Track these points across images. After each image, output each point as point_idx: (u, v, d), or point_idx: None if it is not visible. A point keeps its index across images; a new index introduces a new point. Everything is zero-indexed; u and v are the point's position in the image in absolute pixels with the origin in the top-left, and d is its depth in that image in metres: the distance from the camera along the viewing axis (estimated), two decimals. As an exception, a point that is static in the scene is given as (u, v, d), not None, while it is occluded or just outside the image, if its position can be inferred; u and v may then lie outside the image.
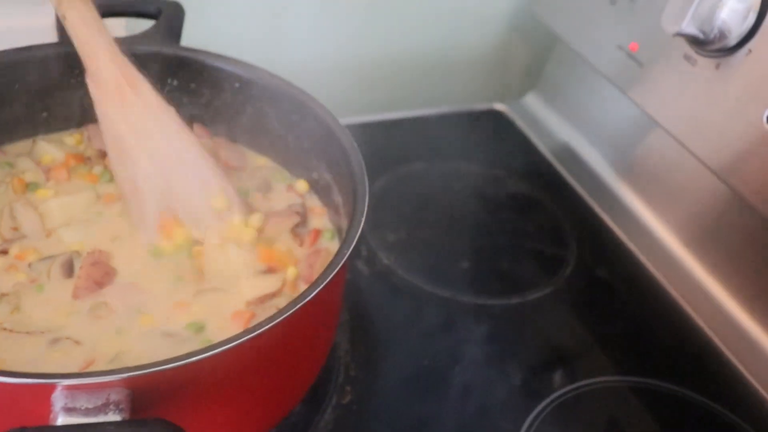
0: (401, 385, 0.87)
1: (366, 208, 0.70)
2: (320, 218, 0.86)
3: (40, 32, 1.28)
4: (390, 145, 1.24)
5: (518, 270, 1.05)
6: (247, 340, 0.58)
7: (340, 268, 0.65)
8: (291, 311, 0.60)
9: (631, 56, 1.03)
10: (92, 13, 0.76)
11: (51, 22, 1.34)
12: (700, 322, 1.00)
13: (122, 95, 0.75)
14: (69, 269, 0.74)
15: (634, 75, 1.03)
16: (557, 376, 0.91)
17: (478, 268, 1.04)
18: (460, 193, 1.17)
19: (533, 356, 0.93)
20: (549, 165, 1.25)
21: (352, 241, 0.67)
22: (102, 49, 0.76)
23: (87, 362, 0.67)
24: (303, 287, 0.76)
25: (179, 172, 0.79)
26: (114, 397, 0.55)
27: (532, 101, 1.37)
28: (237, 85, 0.89)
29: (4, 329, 0.69)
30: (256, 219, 0.80)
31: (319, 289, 0.63)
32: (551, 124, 1.32)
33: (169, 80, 0.90)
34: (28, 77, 0.87)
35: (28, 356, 0.67)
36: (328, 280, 0.63)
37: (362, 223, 0.69)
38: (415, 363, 0.89)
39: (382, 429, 0.81)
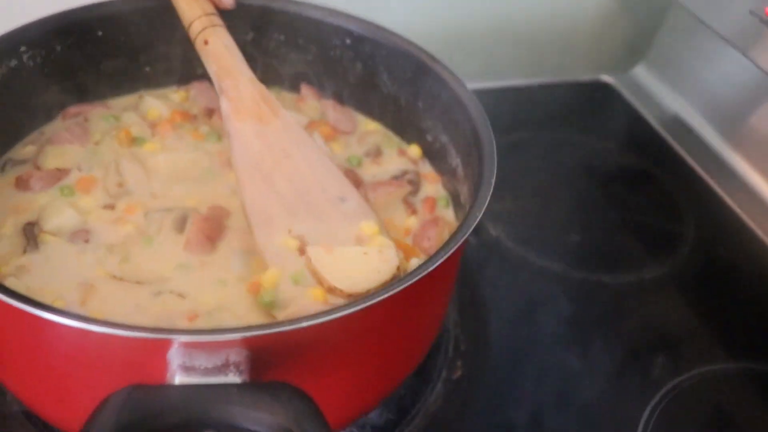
0: (511, 362, 0.82)
1: (495, 173, 0.65)
2: (433, 185, 0.82)
3: None
4: (493, 113, 1.17)
5: (632, 246, 0.99)
6: (372, 304, 0.54)
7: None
8: (416, 278, 0.56)
9: (765, 21, 0.95)
10: (232, 41, 0.78)
11: None
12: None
13: (260, 113, 0.74)
14: (181, 224, 0.71)
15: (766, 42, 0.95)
16: (678, 361, 0.85)
17: (589, 243, 0.98)
18: (567, 164, 1.11)
19: (652, 339, 0.87)
20: (660, 138, 1.18)
21: (481, 208, 0.62)
22: (242, 72, 0.76)
23: (190, 316, 0.64)
24: (421, 258, 0.72)
25: (320, 196, 0.73)
26: (234, 357, 0.52)
27: (641, 73, 1.30)
28: (347, 41, 0.84)
29: (114, 277, 0.67)
30: (392, 254, 0.69)
31: (447, 256, 0.58)
32: (662, 96, 1.25)
33: (275, 35, 0.87)
34: (133, 29, 0.84)
35: (131, 305, 0.65)
36: (456, 246, 0.59)
37: (491, 191, 0.64)
38: (525, 339, 0.85)
39: (492, 409, 0.77)
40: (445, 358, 0.79)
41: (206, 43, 0.76)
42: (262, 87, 0.76)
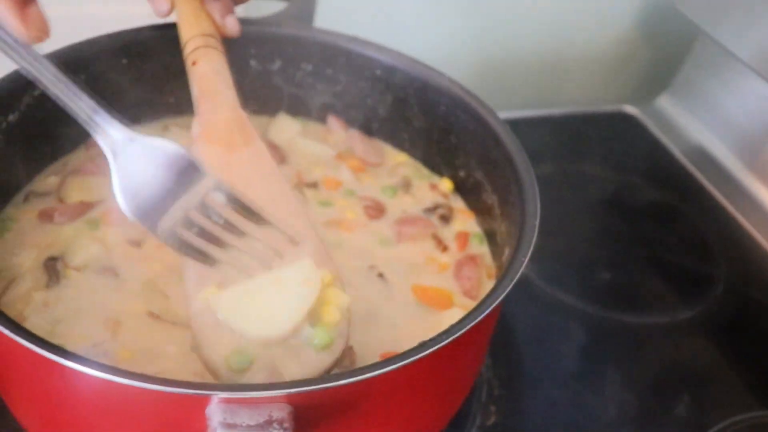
0: (544, 405, 0.80)
1: (539, 213, 0.63)
2: (465, 221, 0.79)
3: (144, 19, 1.28)
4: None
5: (661, 285, 0.97)
6: (418, 358, 0.52)
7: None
8: (468, 326, 0.54)
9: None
10: (224, 66, 0.72)
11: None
12: None
13: (231, 140, 0.69)
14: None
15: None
16: (708, 408, 0.82)
17: (618, 281, 0.96)
18: (592, 198, 1.09)
19: (681, 383, 0.85)
20: (686, 171, 1.16)
21: (526, 253, 0.60)
22: (225, 97, 0.71)
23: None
24: (462, 298, 0.70)
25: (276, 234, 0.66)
26: (277, 414, 0.49)
27: (665, 103, 1.28)
28: (378, 71, 0.82)
29: (152, 314, 0.65)
30: (342, 300, 0.62)
31: (494, 305, 0.56)
32: (686, 126, 1.23)
33: (302, 65, 0.85)
34: (157, 58, 0.82)
35: (163, 345, 0.63)
36: (504, 293, 0.56)
37: (535, 233, 0.62)
38: (557, 381, 0.83)
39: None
40: (479, 404, 0.76)
41: (194, 63, 0.72)
42: (242, 114, 0.71)
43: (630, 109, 1.27)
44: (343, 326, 0.60)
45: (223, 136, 0.68)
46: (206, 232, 0.59)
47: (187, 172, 0.57)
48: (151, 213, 0.56)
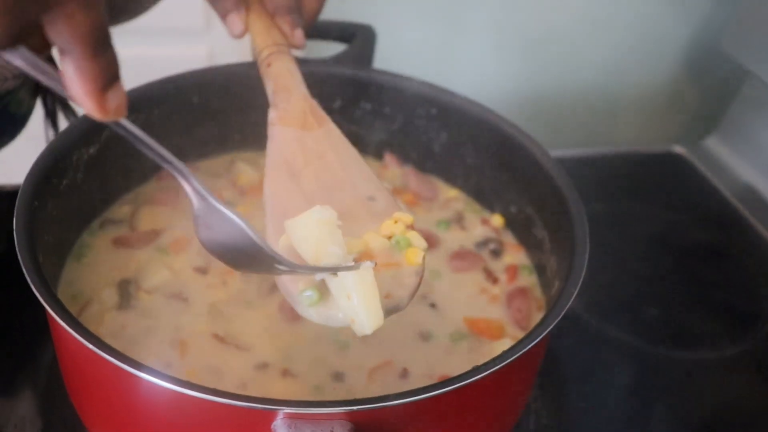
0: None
1: (588, 248, 0.66)
2: (515, 254, 0.82)
3: (193, 61, 1.34)
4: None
5: (709, 322, 0.98)
6: (473, 381, 0.55)
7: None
8: (519, 354, 0.57)
9: None
10: (295, 66, 0.77)
11: (204, 51, 1.38)
12: None
13: (305, 122, 0.73)
14: (273, 286, 0.73)
15: None
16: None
17: (666, 317, 0.97)
18: (641, 236, 1.10)
19: (729, 420, 0.86)
20: (735, 211, 1.17)
21: (575, 286, 0.62)
22: (298, 88, 0.76)
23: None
24: (513, 329, 0.72)
25: (348, 194, 0.70)
26: (338, 430, 0.52)
27: (714, 144, 1.29)
28: (434, 111, 0.86)
29: (217, 336, 0.69)
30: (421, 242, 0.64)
31: (543, 334, 0.59)
32: (736, 167, 1.24)
33: (362, 103, 0.89)
34: (225, 96, 0.87)
35: (236, 372, 0.67)
36: (553, 324, 0.59)
37: (584, 268, 0.64)
38: (604, 414, 0.84)
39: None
40: (528, 432, 0.78)
41: (269, 65, 0.76)
42: (313, 102, 0.75)
43: (679, 150, 1.29)
44: (420, 269, 0.61)
45: (298, 117, 0.72)
46: None
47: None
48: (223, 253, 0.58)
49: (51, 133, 0.92)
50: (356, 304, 0.54)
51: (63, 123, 0.87)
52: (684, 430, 0.84)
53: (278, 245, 0.59)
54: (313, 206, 0.59)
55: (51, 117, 0.90)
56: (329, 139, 0.72)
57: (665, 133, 1.43)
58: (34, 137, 0.92)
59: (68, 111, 0.88)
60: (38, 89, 0.80)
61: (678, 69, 1.37)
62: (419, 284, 0.60)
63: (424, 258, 0.60)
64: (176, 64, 1.17)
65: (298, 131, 0.72)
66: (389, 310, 0.57)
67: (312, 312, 0.56)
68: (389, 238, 0.61)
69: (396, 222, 0.61)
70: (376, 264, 0.56)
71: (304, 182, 0.68)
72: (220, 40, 1.34)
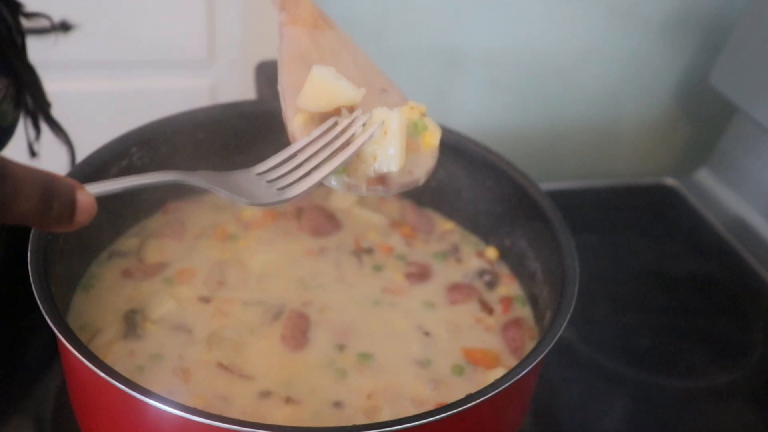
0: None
1: (578, 282, 0.69)
2: (509, 285, 0.85)
3: (196, 93, 1.38)
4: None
5: (700, 352, 1.00)
6: (467, 408, 0.57)
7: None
8: (512, 381, 0.60)
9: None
10: None
11: (207, 84, 1.42)
12: None
13: (316, 23, 0.75)
14: (276, 318, 0.76)
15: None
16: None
17: (659, 347, 1.00)
18: (633, 268, 1.13)
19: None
20: (725, 242, 1.20)
21: (565, 316, 0.65)
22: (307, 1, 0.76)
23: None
24: (509, 358, 0.75)
25: (364, 86, 0.70)
26: (338, 454, 0.55)
27: (704, 176, 1.32)
28: (430, 148, 0.89)
29: (221, 365, 0.71)
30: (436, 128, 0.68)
31: (534, 363, 0.61)
32: (726, 200, 1.27)
33: (360, 140, 0.92)
34: (230, 133, 0.90)
35: (240, 400, 0.69)
36: (544, 353, 0.62)
37: (575, 298, 0.67)
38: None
39: None
40: (521, 460, 0.80)
41: None
42: (320, 9, 0.76)
43: (670, 182, 1.32)
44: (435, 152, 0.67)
45: (308, 19, 0.74)
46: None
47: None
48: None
49: (36, 146, 0.92)
50: (388, 138, 0.60)
51: (45, 131, 0.89)
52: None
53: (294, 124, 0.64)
54: None
55: (34, 127, 0.90)
56: (341, 39, 0.74)
57: (658, 165, 1.46)
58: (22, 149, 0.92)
59: (52, 124, 0.89)
60: (20, 101, 0.82)
61: (670, 103, 1.40)
62: (434, 167, 0.66)
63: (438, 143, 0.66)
64: (180, 96, 1.20)
65: (310, 30, 0.74)
66: (407, 184, 0.63)
67: (334, 180, 0.61)
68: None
69: (412, 108, 0.65)
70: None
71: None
72: (224, 72, 1.38)
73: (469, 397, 0.58)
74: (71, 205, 0.50)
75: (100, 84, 1.35)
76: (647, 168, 1.47)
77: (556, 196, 1.24)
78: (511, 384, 0.60)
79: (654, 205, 1.28)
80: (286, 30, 0.73)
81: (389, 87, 0.71)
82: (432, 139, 0.65)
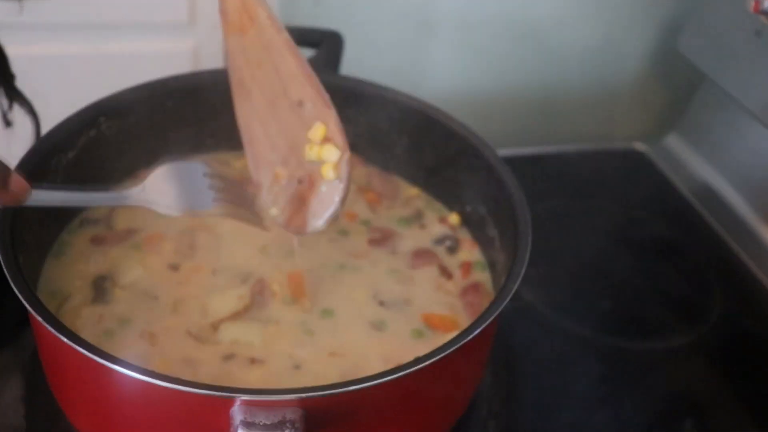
0: (542, 423, 0.86)
1: (530, 246, 0.71)
2: (470, 251, 0.87)
3: (178, 57, 1.37)
4: (528, 179, 1.23)
5: (661, 314, 1.03)
6: (427, 365, 0.60)
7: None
8: (467, 338, 0.62)
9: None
10: None
11: (188, 47, 1.42)
12: None
13: (241, 23, 0.77)
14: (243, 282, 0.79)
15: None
16: (707, 429, 0.88)
17: (619, 310, 1.02)
18: (599, 232, 1.15)
19: (680, 406, 0.91)
20: (691, 208, 1.22)
21: (517, 278, 0.68)
22: None
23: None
24: (466, 321, 0.78)
25: (284, 102, 0.77)
26: (290, 415, 0.58)
27: (674, 142, 1.34)
28: (395, 114, 0.91)
29: (188, 332, 0.74)
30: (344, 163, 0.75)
31: (492, 318, 0.64)
32: (693, 165, 1.29)
33: (328, 108, 0.93)
34: (200, 101, 0.91)
35: (204, 364, 0.72)
36: (501, 308, 0.65)
37: (526, 262, 0.70)
38: (556, 402, 0.89)
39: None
40: (479, 419, 0.83)
41: None
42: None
43: (640, 147, 1.34)
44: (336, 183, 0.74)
45: (235, 21, 0.77)
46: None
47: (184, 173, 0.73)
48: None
49: (9, 116, 0.93)
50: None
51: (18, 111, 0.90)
52: (636, 419, 0.89)
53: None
54: (265, 127, 0.76)
55: (7, 97, 0.91)
56: (262, 38, 0.77)
57: (629, 131, 1.47)
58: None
59: (16, 95, 0.90)
60: None
61: (645, 68, 1.41)
62: (344, 197, 0.74)
63: (344, 164, 0.74)
64: (161, 59, 1.20)
65: (239, 38, 0.77)
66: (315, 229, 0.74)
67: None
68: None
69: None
70: None
71: (254, 99, 0.77)
72: (206, 35, 1.37)
73: (417, 360, 0.60)
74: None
75: (76, 47, 1.35)
76: (622, 133, 1.48)
77: (528, 160, 1.28)
78: (460, 346, 0.62)
79: (623, 170, 1.30)
80: (226, 42, 0.77)
81: (309, 96, 0.75)
82: (326, 172, 0.73)
